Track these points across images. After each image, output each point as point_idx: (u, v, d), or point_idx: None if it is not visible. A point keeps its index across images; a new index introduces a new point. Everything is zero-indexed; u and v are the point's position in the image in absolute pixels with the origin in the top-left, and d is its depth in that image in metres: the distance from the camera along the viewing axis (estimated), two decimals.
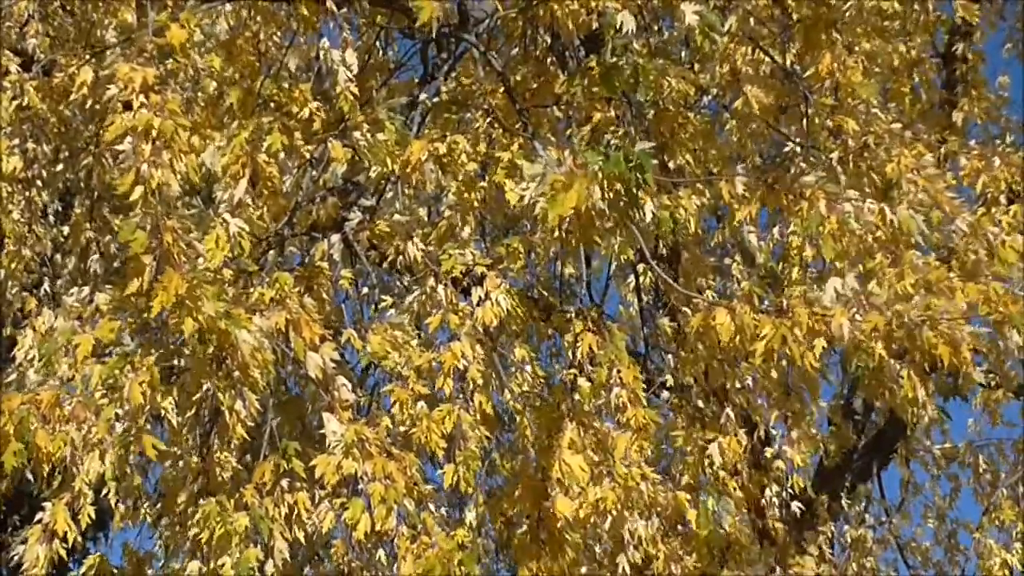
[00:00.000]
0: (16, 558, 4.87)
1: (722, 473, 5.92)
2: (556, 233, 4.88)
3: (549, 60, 7.25)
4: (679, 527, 5.73)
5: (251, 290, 5.29)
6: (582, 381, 5.55)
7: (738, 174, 5.36)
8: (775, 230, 5.43)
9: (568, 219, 4.76)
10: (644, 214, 5.16)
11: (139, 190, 4.65)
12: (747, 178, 5.35)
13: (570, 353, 5.72)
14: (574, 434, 5.41)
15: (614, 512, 5.29)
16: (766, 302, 5.35)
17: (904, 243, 5.57)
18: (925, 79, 7.67)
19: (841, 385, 9.29)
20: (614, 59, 5.96)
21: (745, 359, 6.13)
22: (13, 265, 6.43)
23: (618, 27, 5.60)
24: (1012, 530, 8.82)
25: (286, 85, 5.92)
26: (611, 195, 4.71)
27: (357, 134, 5.71)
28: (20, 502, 10.89)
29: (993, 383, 8.68)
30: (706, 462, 5.87)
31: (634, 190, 4.71)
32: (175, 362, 5.09)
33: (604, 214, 4.75)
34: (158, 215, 4.66)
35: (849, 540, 9.18)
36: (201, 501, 5.11)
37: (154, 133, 4.70)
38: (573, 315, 5.76)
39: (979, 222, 5.82)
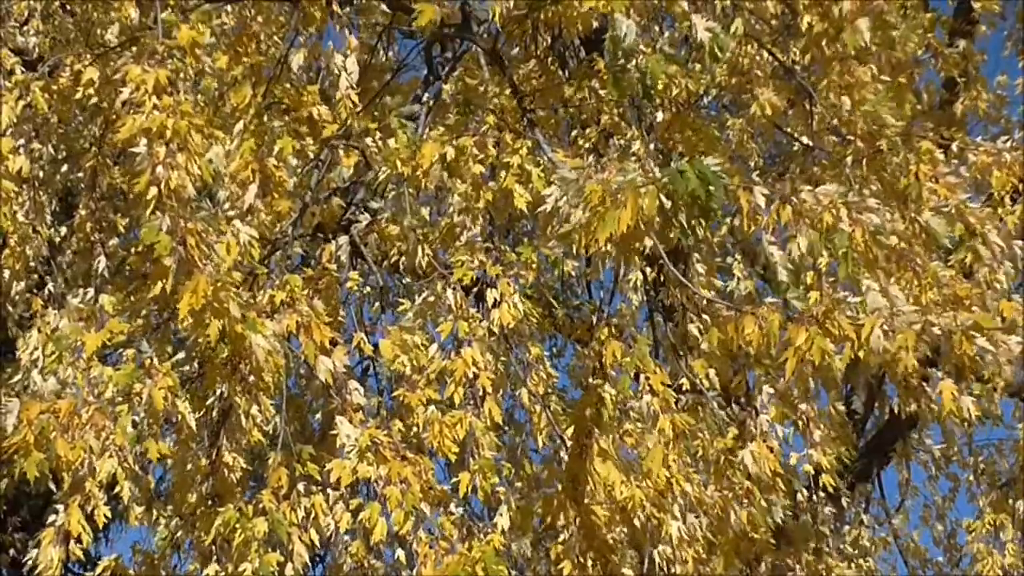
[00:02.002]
0: (29, 561, 4.83)
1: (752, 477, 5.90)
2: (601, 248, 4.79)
3: (549, 60, 7.24)
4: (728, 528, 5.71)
5: (260, 293, 5.27)
6: (608, 389, 5.54)
7: (755, 183, 5.28)
8: (799, 242, 5.30)
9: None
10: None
11: (153, 191, 4.63)
12: (766, 189, 5.25)
13: (597, 361, 5.69)
14: (604, 443, 5.39)
15: (644, 512, 5.29)
16: (791, 309, 5.24)
17: (925, 249, 5.53)
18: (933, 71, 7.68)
19: (841, 386, 9.26)
20: (622, 62, 5.95)
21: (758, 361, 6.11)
22: (18, 265, 6.39)
23: (623, 36, 5.55)
24: (1003, 532, 8.81)
25: (288, 86, 5.90)
26: (682, 212, 4.64)
27: (368, 140, 5.69)
28: (20, 503, 10.87)
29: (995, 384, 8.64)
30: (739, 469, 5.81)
31: (707, 206, 4.63)
32: (188, 367, 5.07)
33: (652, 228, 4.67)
34: (177, 217, 4.64)
35: (848, 541, 9.15)
36: (210, 503, 5.12)
37: (168, 135, 4.69)
38: (595, 321, 5.74)
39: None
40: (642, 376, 5.53)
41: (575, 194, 4.80)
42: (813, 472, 6.16)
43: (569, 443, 5.62)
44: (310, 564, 5.08)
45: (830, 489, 6.31)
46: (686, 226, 4.66)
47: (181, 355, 5.06)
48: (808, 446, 6.01)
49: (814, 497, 7.75)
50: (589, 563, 5.38)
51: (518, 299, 5.50)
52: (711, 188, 4.62)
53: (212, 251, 4.71)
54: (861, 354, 4.94)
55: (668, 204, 4.63)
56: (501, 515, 5.57)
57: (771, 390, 6.04)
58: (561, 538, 5.51)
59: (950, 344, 4.97)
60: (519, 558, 8.25)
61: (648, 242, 4.79)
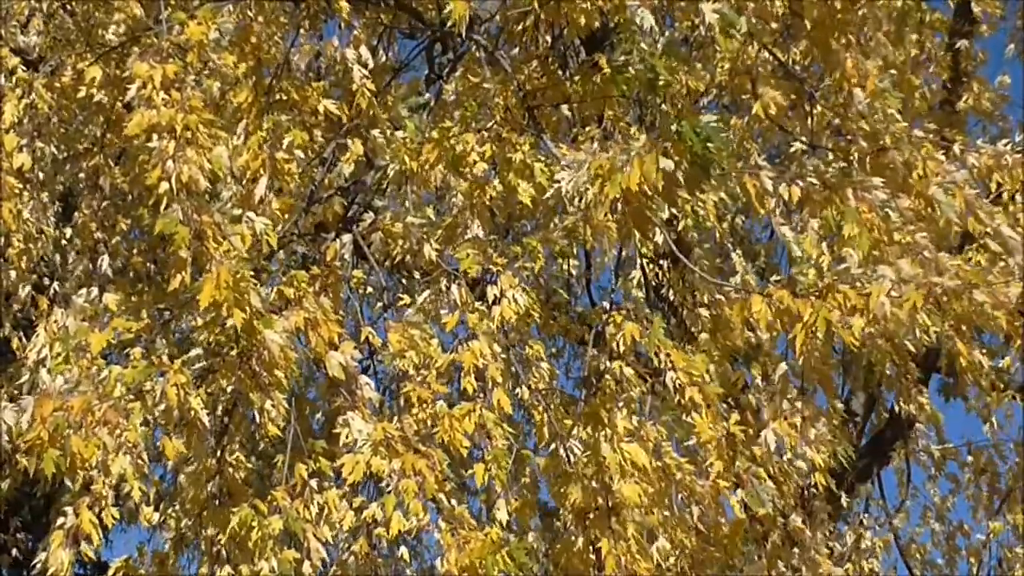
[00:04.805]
0: (38, 564, 4.80)
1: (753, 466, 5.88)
2: (606, 217, 4.81)
3: (550, 59, 7.23)
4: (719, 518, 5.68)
5: (268, 290, 5.26)
6: (628, 370, 5.53)
7: (762, 167, 5.25)
8: (813, 223, 5.28)
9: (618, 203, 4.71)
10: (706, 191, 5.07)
11: (165, 186, 4.63)
12: (772, 173, 5.23)
13: (614, 344, 5.66)
14: (627, 423, 5.38)
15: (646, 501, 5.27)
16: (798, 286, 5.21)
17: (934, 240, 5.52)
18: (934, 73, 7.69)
19: (840, 385, 9.26)
20: (624, 58, 5.95)
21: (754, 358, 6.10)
22: (23, 264, 6.38)
23: (641, 26, 5.55)
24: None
25: (291, 83, 5.90)
26: (684, 167, 4.67)
27: (376, 132, 5.68)
28: (21, 504, 10.85)
29: (1001, 385, 8.66)
30: (753, 452, 5.77)
31: (708, 160, 4.67)
32: (200, 364, 5.06)
33: (657, 196, 4.70)
34: (190, 210, 4.65)
35: (848, 541, 9.15)
36: (218, 503, 5.12)
37: (178, 129, 4.69)
38: (608, 308, 5.74)
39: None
40: (662, 355, 5.49)
41: (584, 176, 4.81)
42: (807, 470, 6.16)
43: (583, 434, 5.58)
44: (328, 560, 5.08)
45: (821, 488, 6.30)
46: (689, 185, 4.69)
47: (194, 352, 5.03)
48: (803, 443, 5.99)
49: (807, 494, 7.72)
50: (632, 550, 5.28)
51: (519, 294, 5.47)
52: (710, 144, 4.66)
53: (229, 243, 4.71)
54: (872, 330, 4.92)
55: (671, 166, 4.67)
56: (499, 509, 5.54)
57: (794, 380, 6.02)
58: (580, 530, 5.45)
59: (954, 302, 4.95)
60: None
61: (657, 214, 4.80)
